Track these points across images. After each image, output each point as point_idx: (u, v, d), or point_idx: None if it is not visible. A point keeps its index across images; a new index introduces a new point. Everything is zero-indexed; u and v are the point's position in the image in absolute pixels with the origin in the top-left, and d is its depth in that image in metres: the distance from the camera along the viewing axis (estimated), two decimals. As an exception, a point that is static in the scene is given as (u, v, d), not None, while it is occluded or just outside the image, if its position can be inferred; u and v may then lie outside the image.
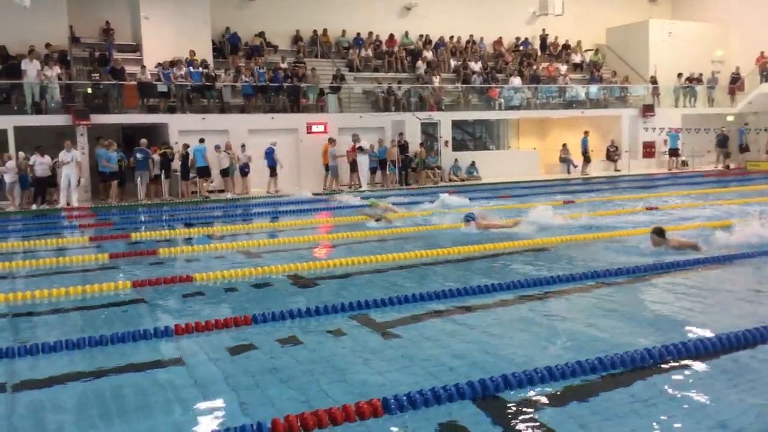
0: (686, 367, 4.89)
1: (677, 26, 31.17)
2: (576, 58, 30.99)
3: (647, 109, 27.86)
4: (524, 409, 4.22)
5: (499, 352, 5.43)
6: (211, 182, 20.50)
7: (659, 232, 9.25)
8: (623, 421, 4.01)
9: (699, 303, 6.96)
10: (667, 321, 6.17)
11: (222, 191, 20.72)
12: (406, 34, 28.80)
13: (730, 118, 29.43)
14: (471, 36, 29.82)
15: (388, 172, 22.56)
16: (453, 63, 28.09)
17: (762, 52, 29.52)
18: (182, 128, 20.70)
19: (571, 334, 5.85)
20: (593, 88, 28.56)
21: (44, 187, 18.19)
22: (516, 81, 27.28)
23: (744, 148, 28.08)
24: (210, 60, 23.36)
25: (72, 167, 17.94)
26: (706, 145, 28.05)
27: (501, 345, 5.64)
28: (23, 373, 5.28)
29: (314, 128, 22.67)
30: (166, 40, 22.85)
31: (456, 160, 24.42)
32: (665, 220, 12.02)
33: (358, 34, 27.55)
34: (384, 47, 27.67)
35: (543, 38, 31.35)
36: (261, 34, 25.83)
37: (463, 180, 23.79)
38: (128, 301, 7.53)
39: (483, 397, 4.35)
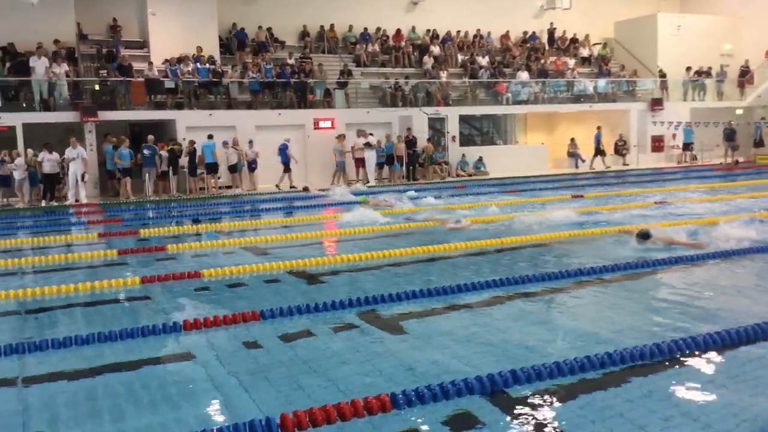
0: (701, 361, 4.87)
1: (686, 19, 30.90)
2: (584, 52, 30.77)
3: (656, 103, 27.68)
4: (533, 404, 4.21)
5: (507, 347, 5.41)
6: (218, 178, 20.52)
7: (644, 236, 9.16)
8: (633, 416, 3.99)
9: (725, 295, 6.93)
10: (680, 315, 6.14)
11: (229, 187, 20.74)
12: (413, 29, 28.70)
13: (739, 112, 29.17)
14: (478, 30, 29.68)
15: (393, 170, 22.51)
16: (460, 58, 27.97)
17: (771, 45, 29.30)
18: (189, 124, 20.73)
19: (582, 329, 5.83)
20: (601, 82, 28.38)
21: (53, 183, 18.27)
22: (524, 75, 27.16)
23: (758, 143, 27.67)
24: (217, 56, 23.36)
25: (78, 163, 18.00)
26: (715, 139, 27.83)
27: (509, 340, 5.63)
28: (33, 368, 5.32)
29: (321, 124, 22.66)
30: (173, 36, 22.86)
31: (463, 155, 24.34)
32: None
33: (365, 29, 27.47)
34: (391, 42, 27.58)
35: (551, 32, 31.16)
36: (268, 30, 25.83)
37: (470, 175, 23.71)
38: (137, 297, 7.57)
39: (491, 393, 4.34)
